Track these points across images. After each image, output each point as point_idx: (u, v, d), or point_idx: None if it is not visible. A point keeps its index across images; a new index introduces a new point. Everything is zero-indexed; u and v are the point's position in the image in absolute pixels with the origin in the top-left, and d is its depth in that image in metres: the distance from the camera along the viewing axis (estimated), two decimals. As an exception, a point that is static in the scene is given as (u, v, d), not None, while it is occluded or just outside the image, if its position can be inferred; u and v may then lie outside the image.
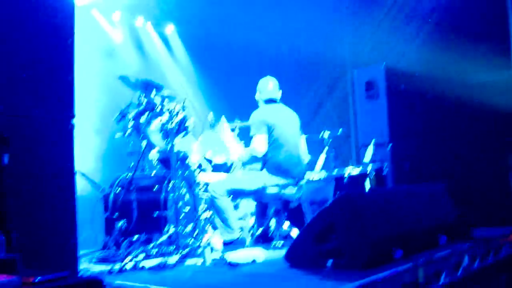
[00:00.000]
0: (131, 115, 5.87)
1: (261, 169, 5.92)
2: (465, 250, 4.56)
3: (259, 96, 6.12)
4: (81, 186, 6.41)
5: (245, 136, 6.36)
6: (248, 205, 6.59)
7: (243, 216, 6.48)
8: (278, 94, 6.10)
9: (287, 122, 5.99)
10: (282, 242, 5.71)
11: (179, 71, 10.16)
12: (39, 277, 2.41)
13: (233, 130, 6.87)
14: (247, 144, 6.16)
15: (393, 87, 7.19)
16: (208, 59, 10.08)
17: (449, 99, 7.74)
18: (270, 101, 6.06)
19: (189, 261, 4.78)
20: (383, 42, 8.79)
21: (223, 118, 6.25)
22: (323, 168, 7.24)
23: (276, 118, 5.88)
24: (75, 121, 3.87)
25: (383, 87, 7.20)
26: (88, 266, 4.87)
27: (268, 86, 6.06)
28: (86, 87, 7.41)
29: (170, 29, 10.12)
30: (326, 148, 7.38)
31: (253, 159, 5.97)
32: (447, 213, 5.11)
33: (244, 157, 6.02)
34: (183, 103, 5.39)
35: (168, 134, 5.24)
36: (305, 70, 10.37)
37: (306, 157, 6.35)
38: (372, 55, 8.87)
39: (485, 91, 7.76)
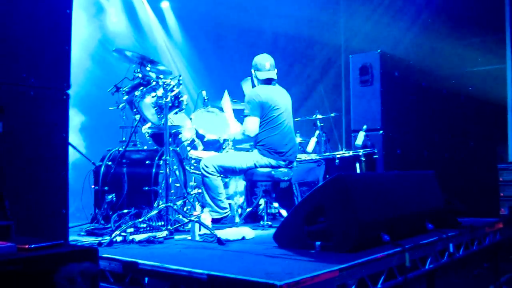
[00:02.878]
0: (125, 88, 5.86)
1: (253, 149, 5.93)
2: (450, 238, 4.63)
3: (256, 74, 6.05)
4: (72, 158, 6.40)
5: (236, 116, 6.37)
6: (238, 184, 6.61)
7: (232, 194, 6.51)
8: (275, 74, 6.06)
9: (283, 104, 5.97)
10: (270, 222, 5.75)
11: (172, 47, 10.12)
12: (34, 244, 2.42)
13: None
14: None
15: (387, 73, 7.21)
16: (202, 37, 10.07)
17: (442, 88, 7.80)
18: (267, 81, 6.03)
19: (178, 237, 4.81)
20: (378, 29, 8.81)
21: (226, 93, 6.26)
22: (314, 150, 7.28)
23: (273, 100, 5.86)
24: (70, 91, 3.86)
25: (378, 73, 7.20)
26: (76, 238, 4.88)
27: (266, 65, 6.00)
28: (80, 58, 7.39)
29: (165, 4, 10.06)
30: (318, 131, 7.42)
31: (244, 140, 5.97)
32: (435, 201, 5.16)
33: (236, 135, 6.02)
34: (178, 79, 5.38)
35: (162, 109, 5.23)
36: (300, 53, 10.39)
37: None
38: (367, 41, 8.89)
39: (478, 82, 7.82)
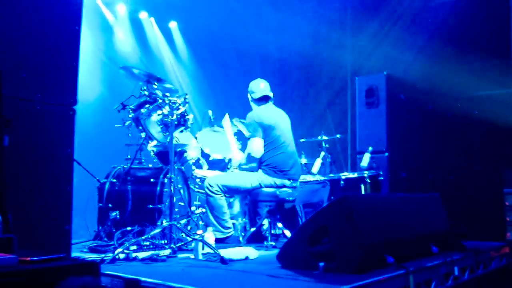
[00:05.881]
0: (131, 106, 5.88)
1: (257, 170, 5.93)
2: (455, 261, 4.59)
3: (252, 96, 6.14)
4: (77, 174, 6.38)
5: (242, 136, 6.39)
6: (242, 204, 6.59)
7: (236, 214, 6.48)
8: (270, 93, 6.12)
9: (283, 123, 6.02)
10: (274, 243, 5.72)
11: (178, 66, 10.17)
12: (35, 257, 2.42)
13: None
14: (243, 144, 6.20)
15: (393, 96, 7.21)
16: (208, 57, 10.11)
17: (448, 111, 7.78)
18: (263, 99, 6.07)
19: (181, 255, 4.79)
20: (386, 52, 8.83)
21: (227, 116, 6.30)
22: (319, 171, 7.26)
23: (273, 119, 5.92)
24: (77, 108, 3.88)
25: (383, 96, 7.20)
26: (79, 254, 4.86)
27: (260, 85, 6.10)
28: (86, 75, 7.42)
29: (173, 25, 10.14)
30: (323, 152, 7.40)
31: (249, 160, 5.98)
32: (440, 223, 5.14)
33: (242, 160, 6.05)
34: (185, 97, 5.39)
35: (167, 127, 5.24)
36: (305, 74, 10.42)
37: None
38: (375, 64, 8.90)
39: (484, 106, 7.80)
